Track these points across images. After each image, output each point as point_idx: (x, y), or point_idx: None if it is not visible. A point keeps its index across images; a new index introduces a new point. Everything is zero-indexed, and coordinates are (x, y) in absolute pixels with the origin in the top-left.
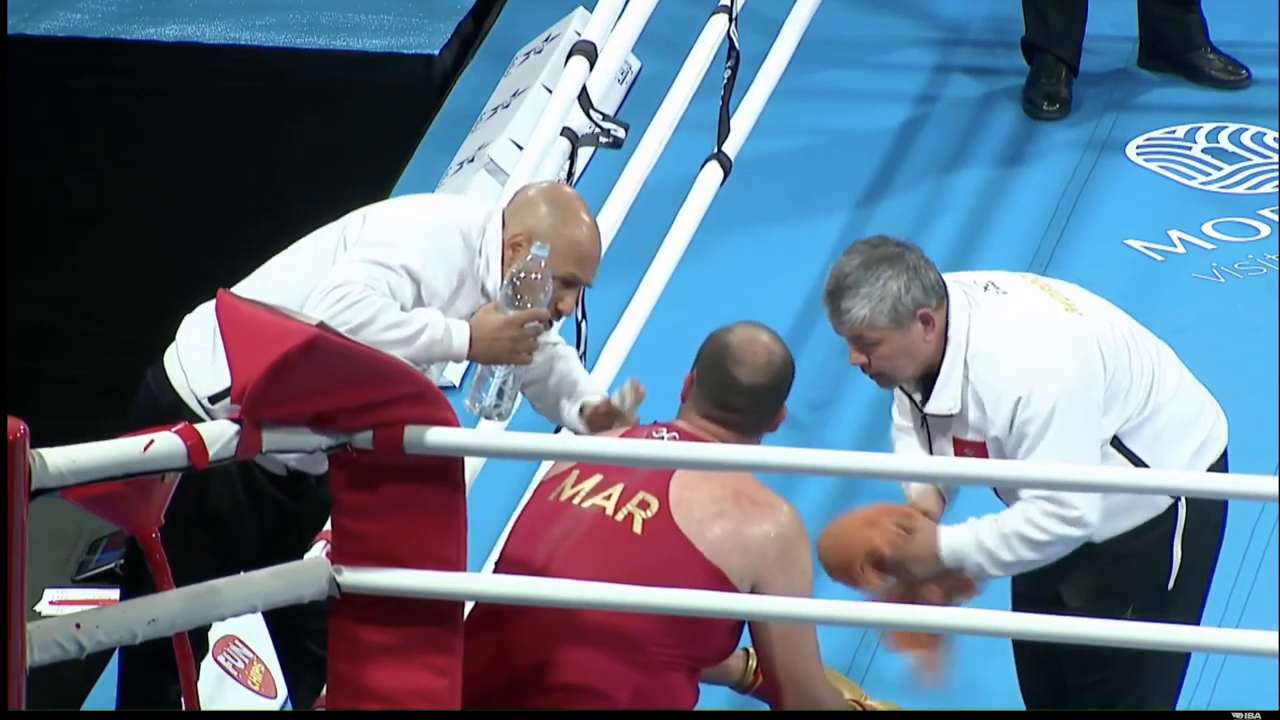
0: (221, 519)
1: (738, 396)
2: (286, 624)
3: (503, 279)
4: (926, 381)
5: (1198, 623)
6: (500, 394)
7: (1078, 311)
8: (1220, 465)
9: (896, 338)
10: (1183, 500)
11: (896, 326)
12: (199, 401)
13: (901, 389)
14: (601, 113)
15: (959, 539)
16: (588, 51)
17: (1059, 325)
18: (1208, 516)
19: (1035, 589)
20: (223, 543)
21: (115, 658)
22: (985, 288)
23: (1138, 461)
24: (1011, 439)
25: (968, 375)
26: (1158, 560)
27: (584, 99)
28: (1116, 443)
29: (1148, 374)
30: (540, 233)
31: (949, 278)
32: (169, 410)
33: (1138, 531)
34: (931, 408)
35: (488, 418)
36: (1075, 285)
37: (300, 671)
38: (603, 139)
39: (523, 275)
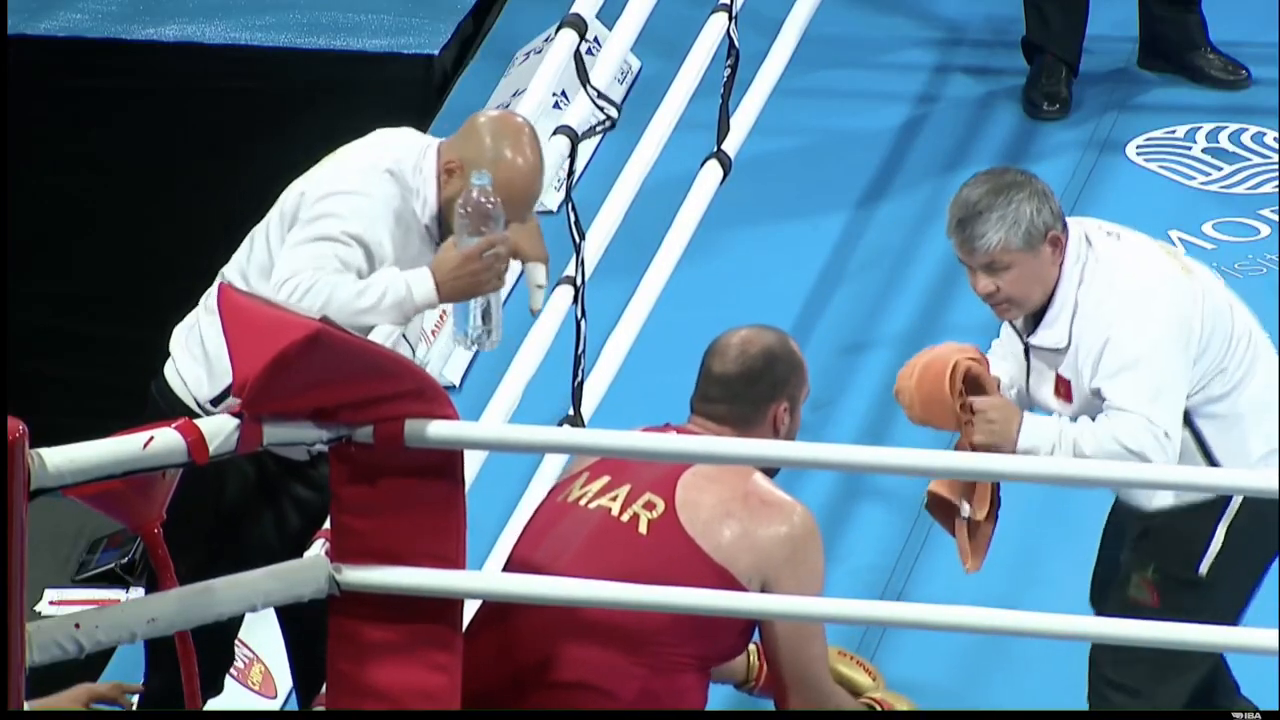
0: (238, 519)
1: (713, 387)
2: (298, 627)
3: (439, 209)
4: (1035, 313)
5: (1233, 622)
6: (485, 318)
7: (1190, 273)
8: None
9: (1028, 261)
10: (1238, 497)
11: (1029, 249)
12: (202, 407)
13: (1010, 323)
14: (596, 89)
15: (1042, 431)
16: (575, 24)
17: (1170, 280)
18: (1263, 525)
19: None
20: (240, 543)
21: (115, 659)
22: (1109, 234)
23: (1203, 445)
24: (1099, 378)
25: (1075, 310)
26: (1196, 538)
27: (580, 71)
28: (1186, 420)
29: (1242, 356)
30: (474, 162)
31: (1071, 221)
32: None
33: (1189, 508)
34: (1038, 339)
35: (480, 347)
36: (1199, 262)
37: (312, 675)
38: (599, 126)
39: (474, 204)
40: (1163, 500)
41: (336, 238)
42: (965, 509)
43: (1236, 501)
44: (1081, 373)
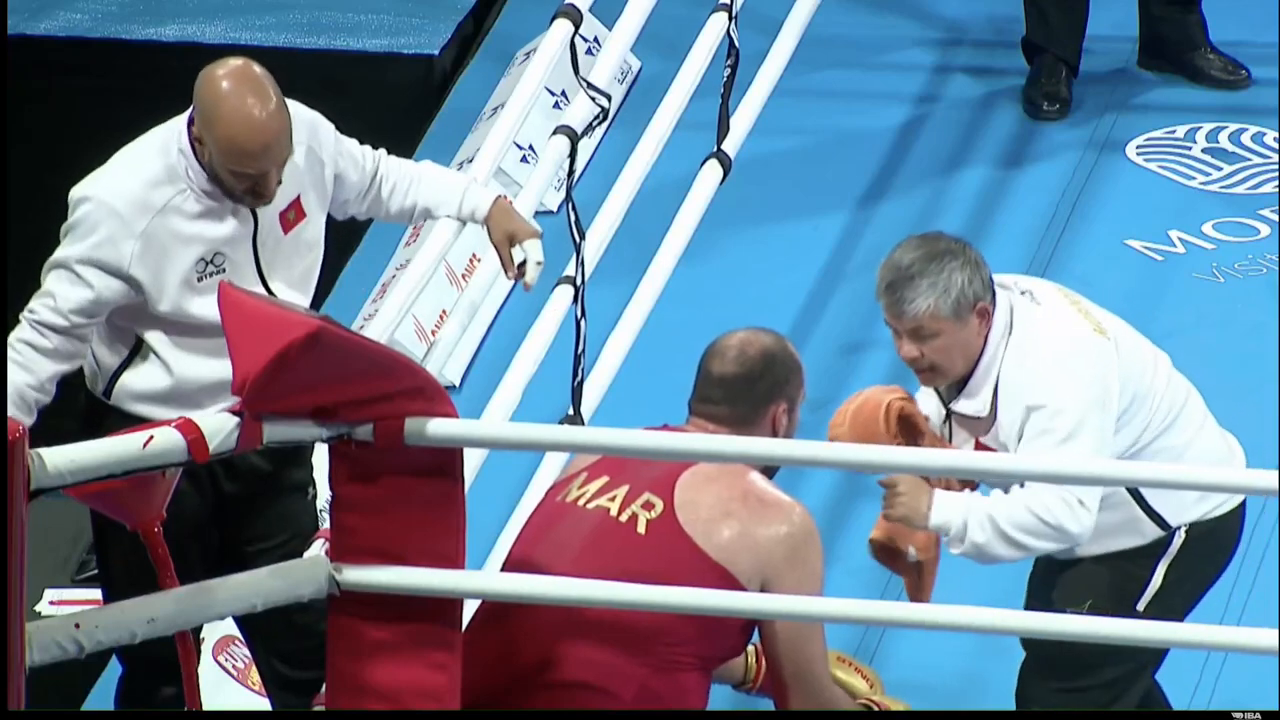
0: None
1: (712, 388)
2: (252, 643)
3: (208, 174)
4: (958, 381)
5: (1155, 663)
6: None
7: (1106, 335)
8: (1232, 518)
9: (955, 330)
10: (1180, 531)
11: (957, 319)
12: (98, 397)
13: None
14: (586, 80)
15: (951, 506)
16: (570, 14)
17: (1085, 343)
18: (1205, 552)
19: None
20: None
21: (115, 661)
22: (1023, 293)
23: (1138, 495)
24: (1021, 444)
25: (998, 380)
26: (1134, 578)
27: (573, 61)
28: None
29: (1167, 409)
30: (206, 126)
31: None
32: (88, 407)
33: (1125, 554)
34: (960, 407)
35: None
36: (1110, 313)
37: (271, 690)
38: (594, 121)
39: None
40: (1101, 547)
41: (69, 265)
42: (911, 553)
43: (1178, 541)
44: (1005, 445)
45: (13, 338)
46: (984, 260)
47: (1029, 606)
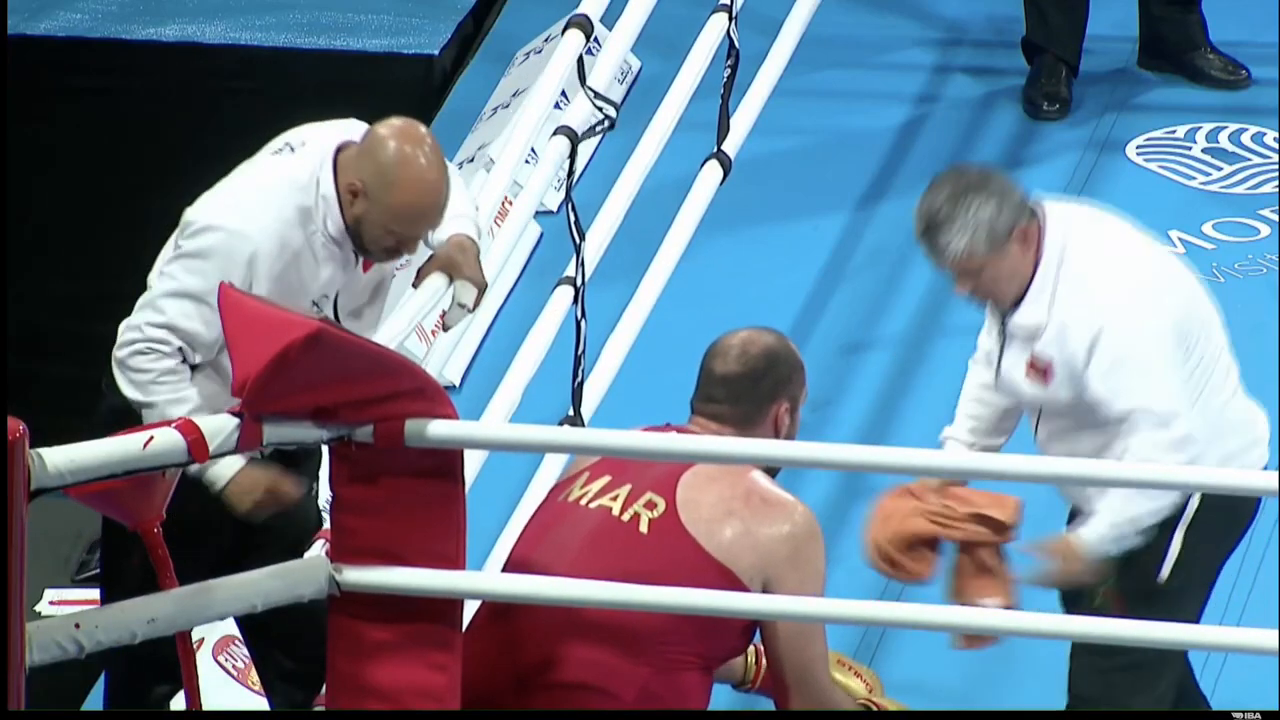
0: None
1: (716, 388)
2: (254, 636)
3: (346, 224)
4: (1017, 295)
5: (1196, 619)
6: None
7: (1175, 268)
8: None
9: (996, 262)
10: (1195, 495)
11: (995, 251)
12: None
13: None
14: (594, 90)
15: (1093, 529)
16: (583, 24)
17: (1155, 267)
18: (1223, 515)
19: None
20: (193, 540)
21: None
22: (1092, 218)
23: None
24: (1092, 371)
25: (1055, 292)
26: (1153, 547)
27: (580, 72)
28: None
29: (1216, 355)
30: (376, 184)
31: (1053, 202)
32: (125, 410)
33: None
34: (1017, 319)
35: None
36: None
37: (270, 681)
38: (599, 126)
39: None
40: None
41: (194, 297)
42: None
43: (1194, 505)
44: (1073, 357)
45: (128, 361)
46: (1014, 184)
47: None
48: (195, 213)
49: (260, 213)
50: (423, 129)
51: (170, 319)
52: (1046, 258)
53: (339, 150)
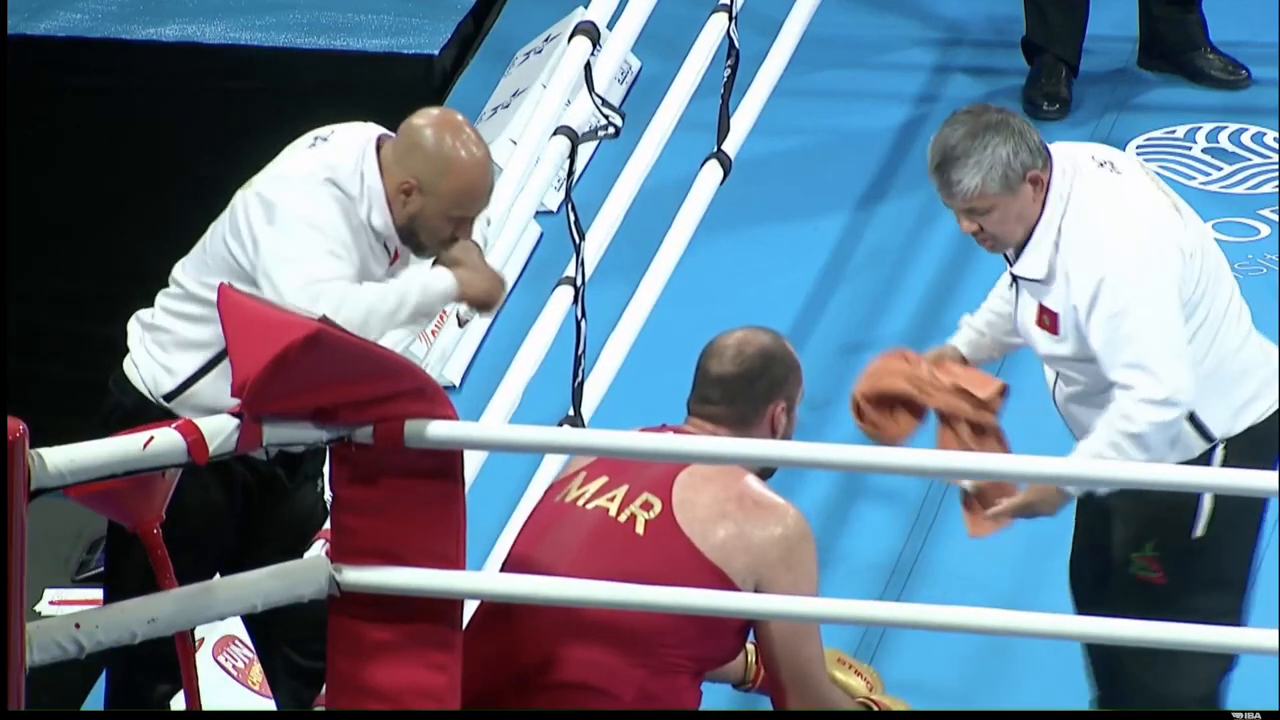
0: (193, 514)
1: (712, 388)
2: (262, 631)
3: (397, 226)
4: (1021, 242)
5: (1244, 581)
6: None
7: (1181, 217)
8: (1272, 423)
9: (1008, 203)
10: (1219, 448)
11: (1008, 191)
12: (158, 400)
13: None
14: (601, 97)
15: (1090, 443)
16: (589, 32)
17: (1159, 219)
18: (1250, 458)
19: (1095, 520)
20: (193, 540)
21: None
22: (1101, 164)
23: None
24: (1093, 321)
25: (1058, 241)
26: (1184, 503)
27: (588, 79)
28: None
29: (1225, 303)
30: (429, 176)
31: (1062, 147)
32: (134, 410)
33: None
34: (1019, 269)
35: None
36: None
37: (276, 676)
38: (601, 131)
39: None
40: None
41: (332, 251)
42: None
43: (1219, 455)
44: (1075, 307)
45: (317, 294)
46: (1031, 127)
47: (1078, 545)
48: (263, 186)
49: (324, 198)
50: (457, 114)
51: (312, 270)
52: (1051, 206)
53: (378, 147)
